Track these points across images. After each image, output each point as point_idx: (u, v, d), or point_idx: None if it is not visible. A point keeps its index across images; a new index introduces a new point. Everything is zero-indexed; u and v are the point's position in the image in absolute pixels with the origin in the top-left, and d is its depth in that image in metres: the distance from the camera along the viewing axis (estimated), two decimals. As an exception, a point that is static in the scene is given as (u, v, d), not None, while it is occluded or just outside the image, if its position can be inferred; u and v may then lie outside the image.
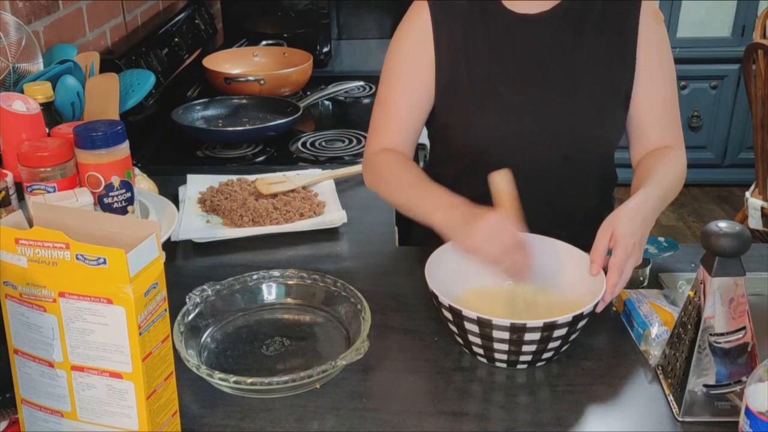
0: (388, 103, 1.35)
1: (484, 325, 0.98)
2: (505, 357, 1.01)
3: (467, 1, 1.31)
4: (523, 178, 1.31)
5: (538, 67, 1.30)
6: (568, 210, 1.37)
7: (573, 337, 1.01)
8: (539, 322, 0.96)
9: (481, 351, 1.02)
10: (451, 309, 1.00)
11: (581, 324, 1.00)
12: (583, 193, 1.38)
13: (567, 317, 0.97)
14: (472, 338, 1.01)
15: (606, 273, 1.05)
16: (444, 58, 1.31)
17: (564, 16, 1.29)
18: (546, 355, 1.02)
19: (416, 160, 1.41)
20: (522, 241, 1.07)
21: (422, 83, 1.32)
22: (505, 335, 0.97)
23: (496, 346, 0.99)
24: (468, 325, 0.99)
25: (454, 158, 1.38)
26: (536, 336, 0.97)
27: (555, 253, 1.14)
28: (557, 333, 0.98)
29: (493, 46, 1.30)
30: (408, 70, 1.33)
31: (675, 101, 1.33)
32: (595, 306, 1.01)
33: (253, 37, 2.53)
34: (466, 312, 0.98)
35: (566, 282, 1.12)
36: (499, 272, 1.09)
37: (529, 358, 1.01)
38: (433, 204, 1.18)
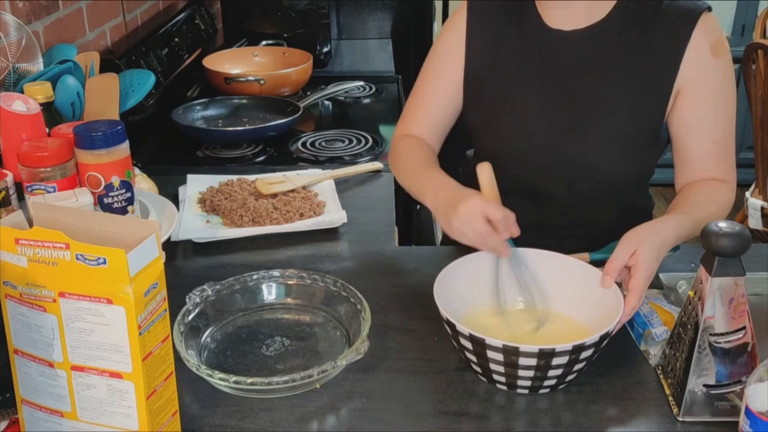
0: (418, 95, 1.42)
1: (510, 353, 0.92)
2: (528, 383, 0.96)
3: (506, 11, 1.32)
4: (531, 193, 1.32)
5: (561, 86, 1.28)
6: (574, 232, 1.34)
7: (595, 356, 0.97)
8: (568, 346, 0.91)
9: (503, 379, 0.96)
10: (471, 338, 0.94)
11: (605, 342, 0.96)
12: (592, 221, 1.34)
13: (594, 338, 0.92)
14: (494, 366, 0.95)
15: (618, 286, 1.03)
16: (472, 62, 1.34)
17: (598, 38, 1.25)
18: (570, 377, 0.97)
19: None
20: (497, 221, 1.07)
21: (452, 81, 1.37)
22: (533, 362, 0.92)
23: (521, 373, 0.94)
24: (491, 354, 0.93)
25: (477, 155, 1.43)
26: (564, 360, 0.92)
27: (561, 269, 1.10)
28: (584, 354, 0.94)
29: (522, 58, 1.30)
30: (440, 67, 1.38)
31: (729, 140, 1.26)
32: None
33: (253, 37, 2.53)
34: (489, 341, 0.92)
35: (573, 298, 1.08)
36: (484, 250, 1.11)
37: (553, 382, 0.96)
38: (427, 186, 1.23)
